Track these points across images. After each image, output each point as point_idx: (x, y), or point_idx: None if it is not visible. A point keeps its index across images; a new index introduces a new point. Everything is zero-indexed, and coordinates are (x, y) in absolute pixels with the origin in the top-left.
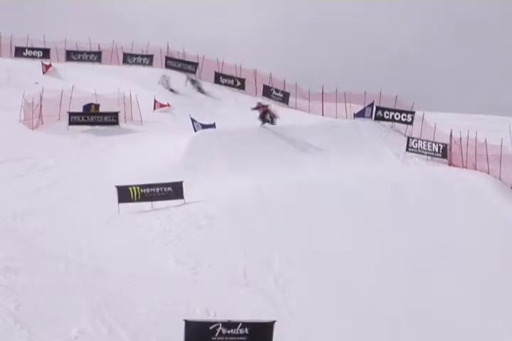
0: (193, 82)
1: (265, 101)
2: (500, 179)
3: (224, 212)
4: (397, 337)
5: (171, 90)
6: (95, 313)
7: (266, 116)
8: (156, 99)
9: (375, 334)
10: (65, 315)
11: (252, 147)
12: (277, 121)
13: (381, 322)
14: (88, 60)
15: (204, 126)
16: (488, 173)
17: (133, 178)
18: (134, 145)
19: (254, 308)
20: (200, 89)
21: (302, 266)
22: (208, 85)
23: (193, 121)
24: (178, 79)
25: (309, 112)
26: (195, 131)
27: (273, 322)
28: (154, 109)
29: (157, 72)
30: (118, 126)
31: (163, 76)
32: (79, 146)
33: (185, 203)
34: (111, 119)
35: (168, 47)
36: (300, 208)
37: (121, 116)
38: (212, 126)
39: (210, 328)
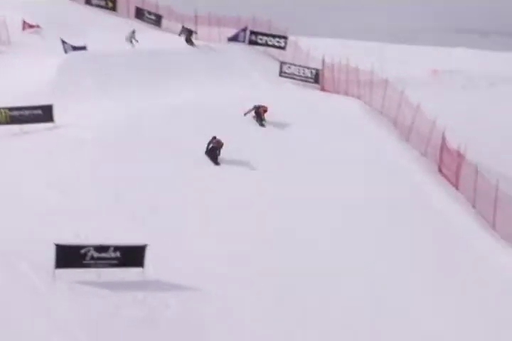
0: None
1: (138, 23)
2: (370, 105)
3: (96, 136)
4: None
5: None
6: None
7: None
8: (25, 20)
9: (244, 258)
10: None
11: (124, 70)
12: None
13: (248, 246)
14: None
15: (75, 48)
16: (359, 99)
17: (1, 101)
18: (2, 67)
19: (126, 232)
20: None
21: (176, 190)
22: (79, 7)
23: (63, 42)
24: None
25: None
26: (66, 52)
27: (145, 246)
28: (23, 29)
29: None
30: None
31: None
32: None
33: (55, 127)
34: None
35: None
36: (174, 132)
37: None
38: (84, 48)
39: (82, 252)
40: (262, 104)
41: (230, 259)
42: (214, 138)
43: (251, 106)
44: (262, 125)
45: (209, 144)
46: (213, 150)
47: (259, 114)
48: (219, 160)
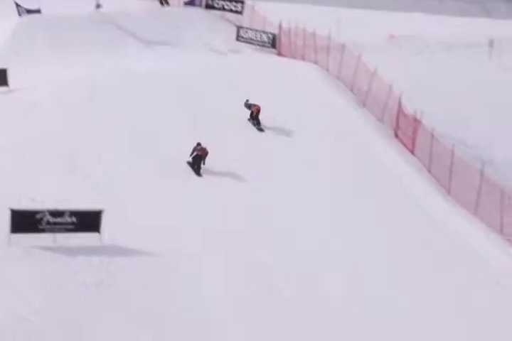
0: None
1: None
2: (327, 69)
3: (51, 101)
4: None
5: None
6: None
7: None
8: None
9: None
10: None
11: (82, 35)
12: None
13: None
14: None
15: (29, 12)
16: (316, 63)
17: None
18: None
19: (82, 198)
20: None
21: (131, 154)
22: None
23: (17, 5)
24: None
25: None
26: (20, 16)
27: (101, 211)
28: None
29: None
30: None
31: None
32: None
33: (10, 91)
34: None
35: None
36: (130, 97)
37: None
38: (38, 11)
39: (37, 216)
40: (255, 103)
41: (188, 226)
42: (198, 144)
43: (245, 100)
44: (259, 129)
45: (193, 152)
46: (197, 159)
47: (253, 113)
48: (202, 172)
